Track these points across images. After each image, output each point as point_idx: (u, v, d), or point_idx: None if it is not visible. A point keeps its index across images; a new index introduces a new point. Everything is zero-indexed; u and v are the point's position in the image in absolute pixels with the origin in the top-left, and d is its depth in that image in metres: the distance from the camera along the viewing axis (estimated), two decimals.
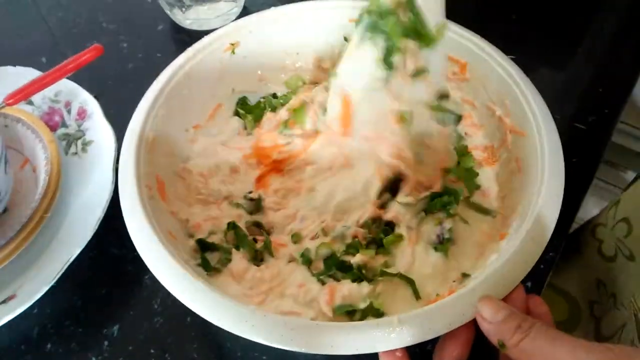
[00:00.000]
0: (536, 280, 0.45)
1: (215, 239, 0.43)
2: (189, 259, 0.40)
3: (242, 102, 0.52)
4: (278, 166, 0.47)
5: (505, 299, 0.33)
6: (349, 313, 0.38)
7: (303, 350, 0.32)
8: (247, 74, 0.52)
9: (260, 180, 0.47)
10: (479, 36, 0.48)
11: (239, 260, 0.41)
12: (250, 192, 0.46)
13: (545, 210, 0.37)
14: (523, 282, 0.34)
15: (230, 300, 0.33)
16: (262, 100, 0.53)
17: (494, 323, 0.31)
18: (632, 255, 0.50)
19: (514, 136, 0.45)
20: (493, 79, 0.46)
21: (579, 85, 0.61)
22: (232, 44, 0.50)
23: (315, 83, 0.53)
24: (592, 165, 0.52)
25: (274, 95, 0.54)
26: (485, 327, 0.31)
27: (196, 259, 0.42)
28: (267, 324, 0.32)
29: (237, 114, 0.52)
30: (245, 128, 0.52)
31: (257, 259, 0.43)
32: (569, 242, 0.60)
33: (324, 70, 0.54)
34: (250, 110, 0.52)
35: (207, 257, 0.42)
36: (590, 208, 1.09)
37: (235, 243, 0.44)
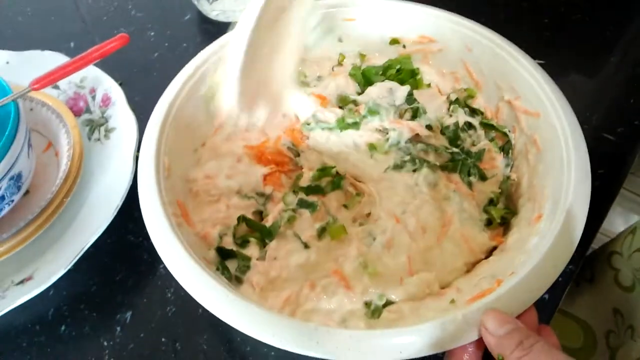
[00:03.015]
0: (554, 294, 0.44)
1: (227, 241, 0.43)
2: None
3: None
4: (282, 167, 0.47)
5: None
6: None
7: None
8: None
9: (267, 177, 0.46)
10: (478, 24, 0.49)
11: (257, 269, 0.41)
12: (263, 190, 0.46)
13: (575, 205, 0.37)
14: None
15: (259, 308, 0.33)
16: None
17: (496, 336, 0.30)
18: None
19: (528, 118, 0.45)
20: (497, 63, 0.47)
21: (609, 94, 0.60)
22: None
23: (319, 77, 0.53)
24: (618, 177, 0.50)
25: None
26: (487, 339, 0.31)
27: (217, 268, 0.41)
28: (293, 330, 0.32)
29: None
30: None
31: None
32: (583, 269, 0.59)
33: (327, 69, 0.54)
34: None
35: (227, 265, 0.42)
36: (614, 218, 1.06)
37: (244, 235, 0.43)
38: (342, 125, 0.47)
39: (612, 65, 0.63)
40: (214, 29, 0.66)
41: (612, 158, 0.52)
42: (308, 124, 0.48)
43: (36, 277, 0.44)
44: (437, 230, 0.42)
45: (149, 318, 0.45)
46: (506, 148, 0.47)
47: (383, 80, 0.51)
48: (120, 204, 0.46)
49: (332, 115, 0.47)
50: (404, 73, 0.52)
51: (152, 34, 0.67)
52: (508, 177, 0.46)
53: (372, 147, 0.47)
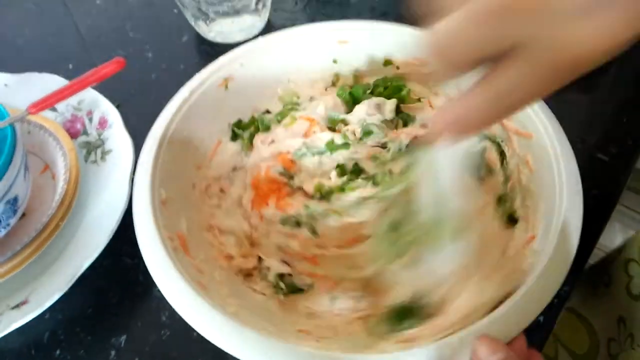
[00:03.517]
0: (548, 317, 0.44)
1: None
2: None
3: (237, 123, 0.52)
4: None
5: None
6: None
7: None
8: (242, 106, 0.52)
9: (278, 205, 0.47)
10: None
11: None
12: None
13: (568, 226, 0.37)
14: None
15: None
16: (255, 115, 0.52)
17: None
18: None
19: (519, 138, 0.45)
20: None
21: (603, 113, 0.60)
22: (225, 79, 0.50)
23: (311, 98, 0.54)
24: (611, 199, 0.50)
25: (267, 111, 0.53)
26: None
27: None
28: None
29: (234, 137, 0.51)
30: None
31: None
32: (600, 273, 0.59)
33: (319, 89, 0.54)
34: (244, 128, 0.52)
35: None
36: (614, 235, 1.06)
37: None
38: (332, 147, 0.47)
39: (607, 84, 0.63)
40: (212, 50, 0.67)
41: (606, 179, 0.52)
42: (299, 151, 0.48)
43: (32, 301, 0.43)
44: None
45: (143, 341, 0.45)
46: (501, 159, 0.47)
47: (370, 98, 0.51)
48: (116, 227, 0.46)
49: (321, 140, 0.48)
50: (390, 89, 0.52)
51: (150, 55, 0.68)
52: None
53: (374, 158, 0.47)
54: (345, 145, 0.48)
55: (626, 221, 1.10)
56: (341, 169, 0.48)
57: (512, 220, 0.44)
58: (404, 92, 0.52)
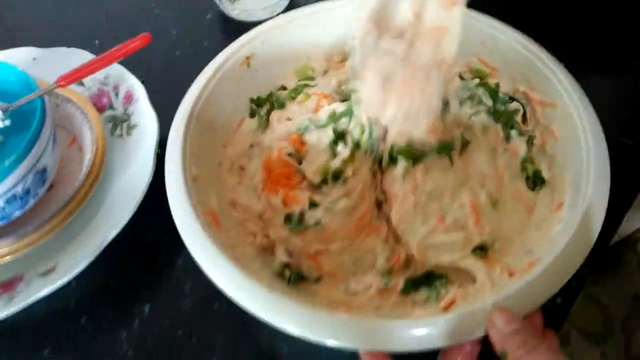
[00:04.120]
0: (567, 295, 0.44)
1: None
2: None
3: (255, 99, 0.52)
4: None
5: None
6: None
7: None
8: (263, 84, 0.52)
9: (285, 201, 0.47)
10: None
11: None
12: None
13: (594, 202, 0.37)
14: (554, 296, 0.34)
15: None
16: (272, 92, 0.52)
17: (503, 333, 0.31)
18: None
19: (545, 109, 0.45)
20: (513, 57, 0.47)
21: (629, 96, 0.59)
22: (248, 57, 0.50)
23: (325, 72, 0.53)
24: (636, 183, 0.50)
25: (283, 87, 0.53)
26: (493, 334, 0.32)
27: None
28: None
29: (252, 114, 0.51)
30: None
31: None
32: (610, 255, 0.59)
33: (334, 62, 0.54)
34: (261, 104, 0.52)
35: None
36: (635, 222, 1.04)
37: None
38: (334, 117, 0.48)
39: (632, 69, 0.62)
40: (235, 28, 0.67)
41: (630, 163, 0.51)
42: (302, 125, 0.49)
43: (59, 269, 0.45)
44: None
45: (166, 312, 0.46)
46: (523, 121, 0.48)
47: None
48: (141, 199, 0.47)
49: (325, 112, 0.49)
50: None
51: (174, 32, 0.68)
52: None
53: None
54: (348, 112, 0.47)
55: None
56: (338, 136, 0.47)
57: (538, 181, 0.44)
58: None
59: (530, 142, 0.46)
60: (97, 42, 0.67)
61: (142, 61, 0.59)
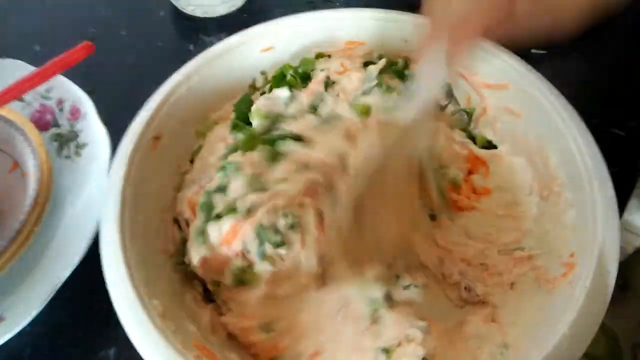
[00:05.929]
0: None
1: None
2: None
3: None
4: None
5: None
6: None
7: None
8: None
9: None
10: None
11: None
12: None
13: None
14: None
15: None
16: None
17: None
18: None
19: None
20: None
21: (619, 87, 0.56)
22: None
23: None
24: (631, 176, 0.47)
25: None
26: None
27: None
28: None
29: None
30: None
31: None
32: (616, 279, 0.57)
33: None
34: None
35: None
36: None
37: None
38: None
39: (621, 56, 0.59)
40: (192, 26, 0.62)
41: (624, 155, 0.49)
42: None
43: (8, 317, 0.40)
44: None
45: (134, 353, 0.41)
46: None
47: None
48: (96, 229, 0.42)
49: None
50: None
51: (124, 33, 0.63)
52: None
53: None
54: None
55: None
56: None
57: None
58: None
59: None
60: (37, 47, 0.61)
61: (89, 67, 0.53)
